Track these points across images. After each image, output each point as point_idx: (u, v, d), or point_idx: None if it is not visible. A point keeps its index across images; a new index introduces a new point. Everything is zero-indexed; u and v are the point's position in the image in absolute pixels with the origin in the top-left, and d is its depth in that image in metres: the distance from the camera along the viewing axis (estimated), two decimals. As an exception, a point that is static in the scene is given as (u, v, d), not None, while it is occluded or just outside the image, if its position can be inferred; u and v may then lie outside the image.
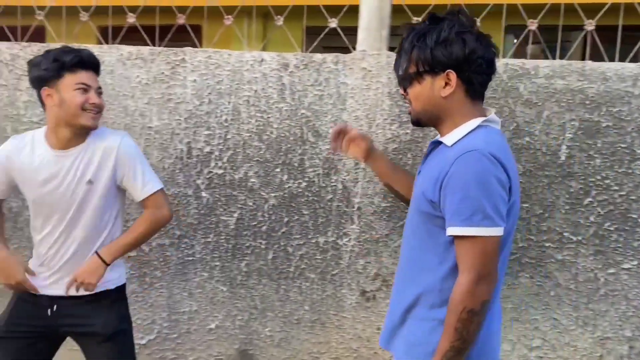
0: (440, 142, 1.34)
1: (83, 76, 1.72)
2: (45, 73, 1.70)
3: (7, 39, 2.56)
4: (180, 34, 2.50)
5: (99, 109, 1.78)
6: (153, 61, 2.44)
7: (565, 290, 2.29)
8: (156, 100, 2.46)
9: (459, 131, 1.31)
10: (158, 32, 2.50)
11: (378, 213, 2.36)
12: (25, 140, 1.82)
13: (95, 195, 1.81)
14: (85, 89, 1.72)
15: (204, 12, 2.50)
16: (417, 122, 1.41)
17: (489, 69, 1.33)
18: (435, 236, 1.30)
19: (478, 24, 2.31)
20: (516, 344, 2.34)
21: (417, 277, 1.35)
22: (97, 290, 1.84)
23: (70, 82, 1.70)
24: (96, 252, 1.81)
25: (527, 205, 2.27)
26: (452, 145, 1.29)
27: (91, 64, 1.77)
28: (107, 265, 1.81)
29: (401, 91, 1.41)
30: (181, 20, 2.52)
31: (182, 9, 2.50)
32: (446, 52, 1.27)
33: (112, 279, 1.91)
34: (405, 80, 1.36)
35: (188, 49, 2.43)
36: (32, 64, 1.75)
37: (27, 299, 1.83)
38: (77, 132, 1.76)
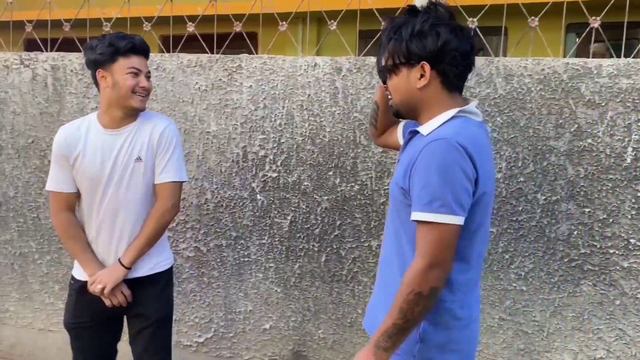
0: (417, 132, 1.35)
1: (135, 61, 1.83)
2: (101, 57, 1.81)
3: (78, 50, 2.72)
4: (237, 41, 2.57)
5: (147, 92, 1.88)
6: (211, 68, 2.53)
7: (632, 299, 2.17)
8: (214, 105, 2.54)
9: (435, 121, 1.31)
10: (216, 40, 2.59)
11: (432, 217, 2.33)
12: (77, 125, 1.91)
13: (141, 173, 1.90)
14: (136, 73, 1.83)
15: (260, 20, 2.56)
16: (398, 114, 1.42)
17: (465, 61, 1.32)
18: (407, 225, 1.31)
19: (536, 22, 2.26)
20: (578, 354, 2.25)
21: (396, 264, 1.37)
22: (151, 272, 1.95)
23: (123, 66, 1.81)
24: (121, 262, 1.89)
25: (589, 210, 2.18)
26: (427, 135, 1.29)
27: (142, 50, 1.87)
28: (128, 269, 1.89)
29: (381, 84, 1.45)
30: (238, 27, 2.59)
31: (238, 17, 2.57)
32: (420, 45, 1.29)
33: (161, 260, 2.01)
34: (384, 73, 1.39)
35: (244, 56, 2.50)
36: (88, 47, 1.86)
37: (87, 290, 1.91)
38: (127, 113, 1.88)
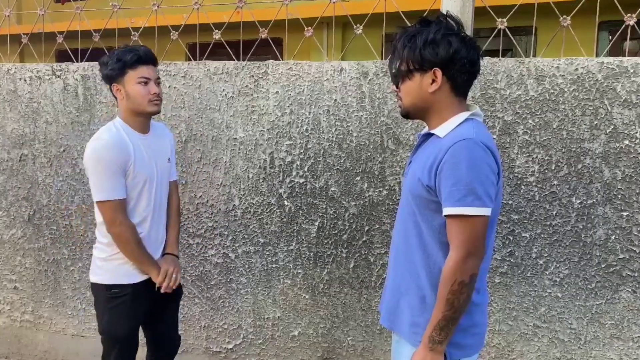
0: (432, 134, 1.46)
1: (143, 71, 1.93)
2: (112, 72, 1.94)
3: (107, 60, 2.76)
4: (262, 47, 2.58)
5: (159, 97, 1.98)
6: (237, 75, 2.54)
7: (674, 307, 2.09)
8: (241, 112, 2.55)
9: (450, 123, 1.42)
10: (242, 47, 2.60)
11: (462, 222, 2.28)
12: (114, 133, 1.94)
13: (168, 172, 2.13)
14: (146, 81, 1.94)
15: (285, 25, 2.56)
16: (407, 115, 1.53)
17: (472, 69, 1.44)
18: (430, 220, 1.41)
19: (568, 21, 2.20)
20: (617, 364, 2.17)
21: (418, 258, 1.45)
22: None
23: (132, 77, 1.93)
24: (169, 253, 2.09)
25: (627, 213, 2.11)
26: (444, 137, 1.40)
27: (149, 59, 1.96)
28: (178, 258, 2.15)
29: (393, 87, 1.54)
30: (263, 34, 2.60)
31: (264, 24, 2.58)
32: (433, 52, 1.40)
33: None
34: (397, 77, 1.49)
35: (270, 62, 2.50)
36: (101, 63, 1.99)
37: (142, 289, 2.00)
38: (146, 118, 2.01)
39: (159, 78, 2.01)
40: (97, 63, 2.75)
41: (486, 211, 1.32)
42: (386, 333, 2.45)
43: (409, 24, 2.35)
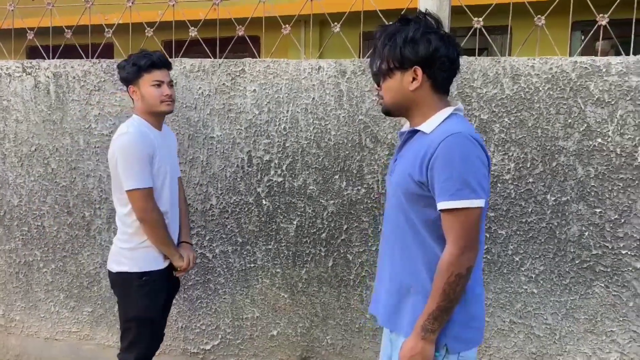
0: (417, 131, 1.47)
1: (157, 74, 2.09)
2: (128, 75, 2.10)
3: (80, 56, 2.70)
4: (239, 45, 2.55)
5: (171, 98, 2.13)
6: (214, 73, 2.51)
7: (645, 301, 2.14)
8: (217, 110, 2.52)
9: (435, 119, 1.44)
10: (219, 44, 2.57)
11: (440, 219, 2.30)
12: (137, 126, 2.07)
13: (177, 168, 2.29)
14: (159, 84, 2.09)
15: (262, 23, 2.54)
16: (388, 112, 1.54)
17: (452, 66, 1.45)
18: (423, 215, 1.42)
19: (543, 21, 2.23)
20: (591, 357, 2.21)
21: (409, 255, 1.46)
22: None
23: (147, 80, 2.08)
24: (185, 242, 2.26)
25: (600, 210, 2.15)
26: (431, 132, 1.41)
27: (162, 63, 2.12)
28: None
29: (374, 85, 1.57)
30: (240, 32, 2.57)
31: (241, 21, 2.55)
32: (413, 51, 1.41)
33: None
34: (378, 76, 1.50)
35: (247, 60, 2.48)
36: (119, 67, 2.15)
37: (161, 276, 2.12)
38: (160, 117, 2.17)
39: (171, 81, 2.16)
40: (69, 60, 2.70)
41: (480, 202, 1.34)
42: (365, 331, 2.45)
43: (387, 23, 2.36)
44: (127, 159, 2.00)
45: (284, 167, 2.47)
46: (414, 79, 1.43)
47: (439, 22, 1.46)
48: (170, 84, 2.15)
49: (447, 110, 1.44)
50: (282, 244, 2.51)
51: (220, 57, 2.54)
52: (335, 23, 2.47)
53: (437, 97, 1.46)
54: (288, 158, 2.45)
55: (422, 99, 1.45)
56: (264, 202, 2.50)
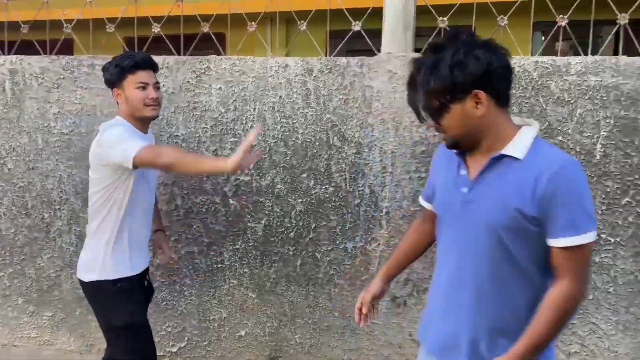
0: (502, 156, 1.32)
1: (141, 76, 1.98)
2: (111, 77, 2.00)
3: (37, 53, 2.61)
4: (204, 42, 2.51)
5: (157, 101, 2.02)
6: (178, 70, 2.46)
7: (604, 294, 2.21)
8: (182, 108, 2.48)
9: (520, 142, 1.32)
10: (183, 41, 2.52)
11: (407, 217, 2.32)
12: (126, 124, 1.99)
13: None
14: (144, 86, 1.98)
15: (228, 20, 2.50)
16: (456, 146, 1.39)
17: (509, 73, 1.33)
18: (529, 248, 1.32)
19: (505, 21, 2.28)
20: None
21: (507, 294, 1.35)
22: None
23: (131, 82, 1.97)
24: (160, 230, 2.29)
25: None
26: (524, 158, 1.30)
27: (147, 64, 2.01)
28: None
29: (428, 125, 1.40)
30: (205, 28, 2.53)
31: (206, 18, 2.51)
32: (464, 74, 1.27)
33: None
34: (434, 115, 1.35)
35: (212, 57, 2.44)
36: (103, 69, 2.04)
37: (135, 283, 2.05)
38: (146, 123, 2.06)
39: (158, 83, 2.05)
40: (26, 56, 2.61)
41: (596, 235, 1.29)
42: (333, 329, 2.46)
43: (353, 22, 2.36)
44: (119, 139, 1.86)
45: (251, 166, 2.44)
46: (477, 103, 1.29)
47: (470, 33, 1.33)
48: (157, 86, 2.03)
49: (529, 131, 1.33)
50: (250, 244, 2.48)
51: (184, 55, 2.49)
52: (302, 21, 2.46)
53: (505, 113, 1.35)
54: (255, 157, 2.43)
55: (493, 121, 1.32)
56: (231, 201, 2.47)
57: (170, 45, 2.57)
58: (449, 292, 1.45)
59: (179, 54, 2.51)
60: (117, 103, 2.05)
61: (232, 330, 2.55)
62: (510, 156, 1.31)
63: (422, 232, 1.69)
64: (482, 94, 1.28)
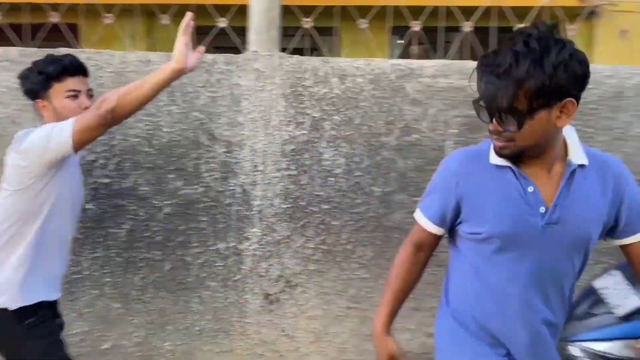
0: (575, 168, 1.23)
1: (71, 83, 1.72)
2: (34, 86, 1.73)
3: None
4: (54, 33, 2.31)
5: None
6: (24, 63, 2.22)
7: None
8: (29, 106, 2.24)
9: (576, 147, 1.23)
10: (30, 32, 2.29)
11: (279, 215, 2.34)
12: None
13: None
14: (75, 95, 1.73)
15: (81, 10, 2.32)
16: (518, 155, 1.20)
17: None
18: (581, 260, 1.30)
19: (366, 24, 2.39)
20: (415, 332, 2.44)
21: (563, 297, 1.32)
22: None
23: (59, 90, 1.71)
24: None
25: (418, 198, 2.36)
26: (588, 162, 1.23)
27: (76, 69, 1.75)
28: None
29: (493, 126, 1.18)
30: (55, 18, 2.32)
31: (55, 7, 2.30)
32: (567, 77, 1.08)
33: None
34: (519, 119, 1.12)
35: (64, 50, 2.24)
36: (22, 77, 1.77)
37: (53, 315, 1.82)
38: None
39: (91, 89, 1.79)
40: None
41: None
42: (205, 333, 2.40)
43: (218, 18, 2.32)
44: (52, 128, 1.58)
45: (111, 168, 2.29)
46: (561, 112, 1.11)
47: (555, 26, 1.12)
48: (90, 94, 1.78)
49: (572, 133, 1.23)
50: (112, 251, 2.33)
51: (31, 47, 2.27)
52: (163, 15, 2.36)
53: None
54: (115, 157, 2.29)
55: (560, 131, 1.18)
56: (88, 206, 2.30)
57: (10, 36, 2.32)
58: (518, 324, 1.30)
59: (23, 45, 2.28)
60: (42, 116, 1.75)
61: (95, 344, 2.38)
62: (582, 165, 1.22)
63: (415, 270, 1.52)
64: (573, 105, 1.11)
